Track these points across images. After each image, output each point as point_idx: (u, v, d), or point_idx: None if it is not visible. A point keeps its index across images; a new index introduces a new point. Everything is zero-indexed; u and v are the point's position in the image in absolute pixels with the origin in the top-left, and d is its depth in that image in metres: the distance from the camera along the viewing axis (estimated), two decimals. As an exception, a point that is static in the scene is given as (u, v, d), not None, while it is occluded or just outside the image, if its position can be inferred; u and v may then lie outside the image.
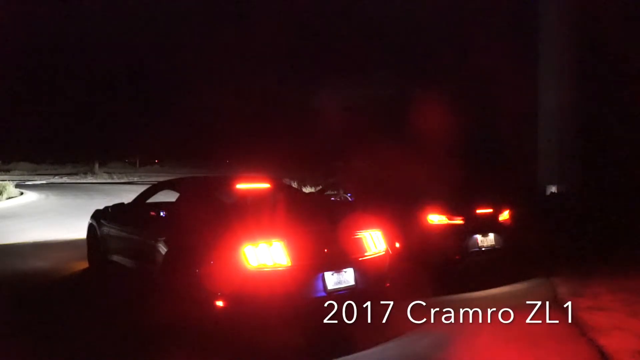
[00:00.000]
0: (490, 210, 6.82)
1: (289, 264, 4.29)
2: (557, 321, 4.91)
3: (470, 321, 4.96)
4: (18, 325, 4.81)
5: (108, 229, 6.50)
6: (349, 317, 4.83)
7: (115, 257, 6.30)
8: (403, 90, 22.65)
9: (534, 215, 9.05)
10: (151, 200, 6.37)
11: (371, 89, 25.01)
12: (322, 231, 4.70)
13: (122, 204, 6.60)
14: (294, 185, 17.23)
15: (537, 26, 15.18)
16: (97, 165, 40.37)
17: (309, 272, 4.42)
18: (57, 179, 32.07)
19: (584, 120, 14.36)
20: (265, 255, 4.24)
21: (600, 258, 7.66)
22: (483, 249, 6.61)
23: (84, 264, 7.13)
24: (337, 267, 4.55)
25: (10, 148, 42.12)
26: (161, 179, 17.70)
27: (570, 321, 4.87)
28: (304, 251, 4.41)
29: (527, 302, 5.59)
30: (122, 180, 31.87)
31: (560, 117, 14.45)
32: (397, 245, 6.25)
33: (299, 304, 4.38)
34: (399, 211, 6.58)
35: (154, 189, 6.43)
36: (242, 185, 5.98)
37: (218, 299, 4.27)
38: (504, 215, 6.98)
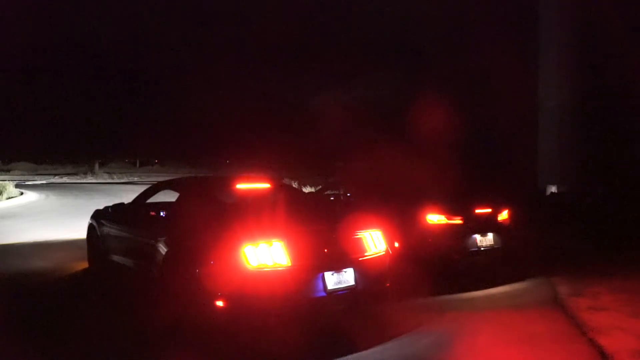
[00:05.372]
0: (490, 210, 6.82)
1: (289, 264, 4.29)
2: (557, 321, 4.93)
3: (470, 321, 4.97)
4: (18, 325, 4.81)
5: (108, 229, 6.50)
6: (349, 316, 4.83)
7: (115, 257, 6.30)
8: (403, 90, 22.66)
9: (534, 215, 9.05)
10: (151, 200, 6.37)
11: (371, 88, 25.01)
12: (322, 231, 4.70)
13: (122, 204, 6.60)
14: (294, 185, 17.23)
15: (538, 26, 15.18)
16: (97, 165, 40.39)
17: (309, 272, 4.41)
18: (57, 179, 32.07)
19: (585, 120, 14.36)
20: (265, 255, 4.24)
21: (600, 258, 7.67)
22: (482, 248, 6.61)
23: (84, 264, 7.13)
24: (337, 267, 4.54)
25: (10, 148, 42.12)
26: (161, 179, 17.70)
27: (570, 321, 4.88)
28: (304, 251, 4.41)
29: (527, 302, 5.62)
30: (122, 180, 31.87)
31: (560, 117, 14.45)
32: (397, 245, 6.25)
33: (299, 304, 4.38)
34: (398, 211, 6.58)
35: (154, 189, 6.43)
36: (242, 185, 5.97)
37: (218, 299, 4.27)
38: (503, 215, 6.98)
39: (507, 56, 14.72)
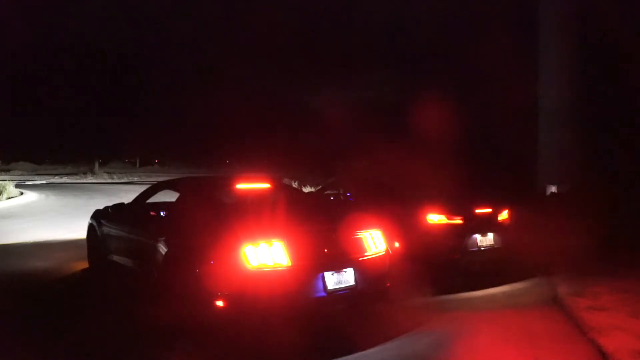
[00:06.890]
0: (490, 210, 6.82)
1: (289, 264, 4.29)
2: (557, 321, 4.94)
3: (470, 321, 4.97)
4: (18, 325, 4.81)
5: (108, 229, 6.51)
6: (349, 316, 4.83)
7: (115, 257, 6.31)
8: (403, 89, 22.66)
9: (534, 215, 9.04)
10: (151, 200, 6.37)
11: (371, 88, 25.02)
12: (322, 231, 4.70)
13: (122, 204, 6.60)
14: (294, 185, 17.23)
15: (537, 25, 15.17)
16: (97, 165, 40.41)
17: (309, 272, 4.41)
18: (57, 179, 32.08)
19: (585, 120, 14.36)
20: (265, 255, 4.24)
21: (600, 258, 7.66)
22: (482, 248, 6.62)
23: (84, 264, 7.14)
24: (337, 267, 4.54)
25: (10, 148, 42.10)
26: (161, 179, 17.70)
27: (570, 321, 4.88)
28: (304, 251, 4.41)
29: (527, 302, 5.63)
30: (122, 180, 31.89)
31: (560, 116, 14.45)
32: (397, 245, 6.25)
33: (299, 304, 4.38)
34: (398, 211, 6.58)
35: (154, 189, 6.43)
36: (242, 185, 5.98)
37: (218, 299, 4.27)
38: (503, 215, 6.98)
39: (507, 55, 14.72)
